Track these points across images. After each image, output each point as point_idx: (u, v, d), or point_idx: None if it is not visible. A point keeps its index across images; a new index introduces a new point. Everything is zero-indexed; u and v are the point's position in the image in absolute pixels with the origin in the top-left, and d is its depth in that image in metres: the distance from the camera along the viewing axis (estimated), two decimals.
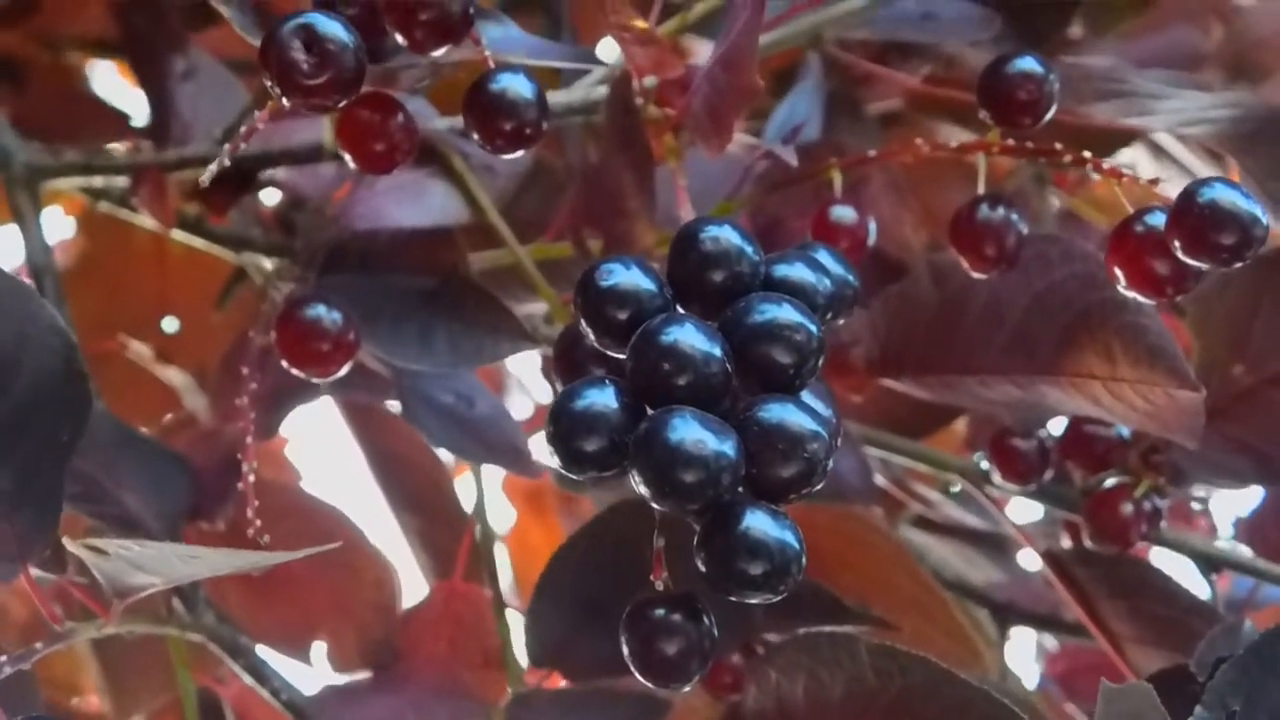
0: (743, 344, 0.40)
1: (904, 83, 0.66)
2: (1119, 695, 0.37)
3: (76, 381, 0.44)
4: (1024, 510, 0.87)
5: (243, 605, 0.63)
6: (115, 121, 0.94)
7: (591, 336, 0.42)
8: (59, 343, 0.44)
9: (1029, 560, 0.93)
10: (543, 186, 0.73)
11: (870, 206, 0.62)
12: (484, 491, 0.69)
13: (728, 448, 0.38)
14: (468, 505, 0.73)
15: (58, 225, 1.10)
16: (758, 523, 0.38)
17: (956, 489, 0.89)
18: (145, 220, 0.74)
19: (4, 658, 0.42)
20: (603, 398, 0.40)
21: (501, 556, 0.79)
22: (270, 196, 0.87)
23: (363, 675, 0.62)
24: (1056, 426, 0.66)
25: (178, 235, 0.72)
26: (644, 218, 0.60)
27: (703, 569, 0.39)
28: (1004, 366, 0.58)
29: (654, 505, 0.39)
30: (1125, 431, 0.64)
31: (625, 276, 0.42)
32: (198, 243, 0.73)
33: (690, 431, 0.38)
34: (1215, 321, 0.63)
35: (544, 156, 0.72)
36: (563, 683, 0.59)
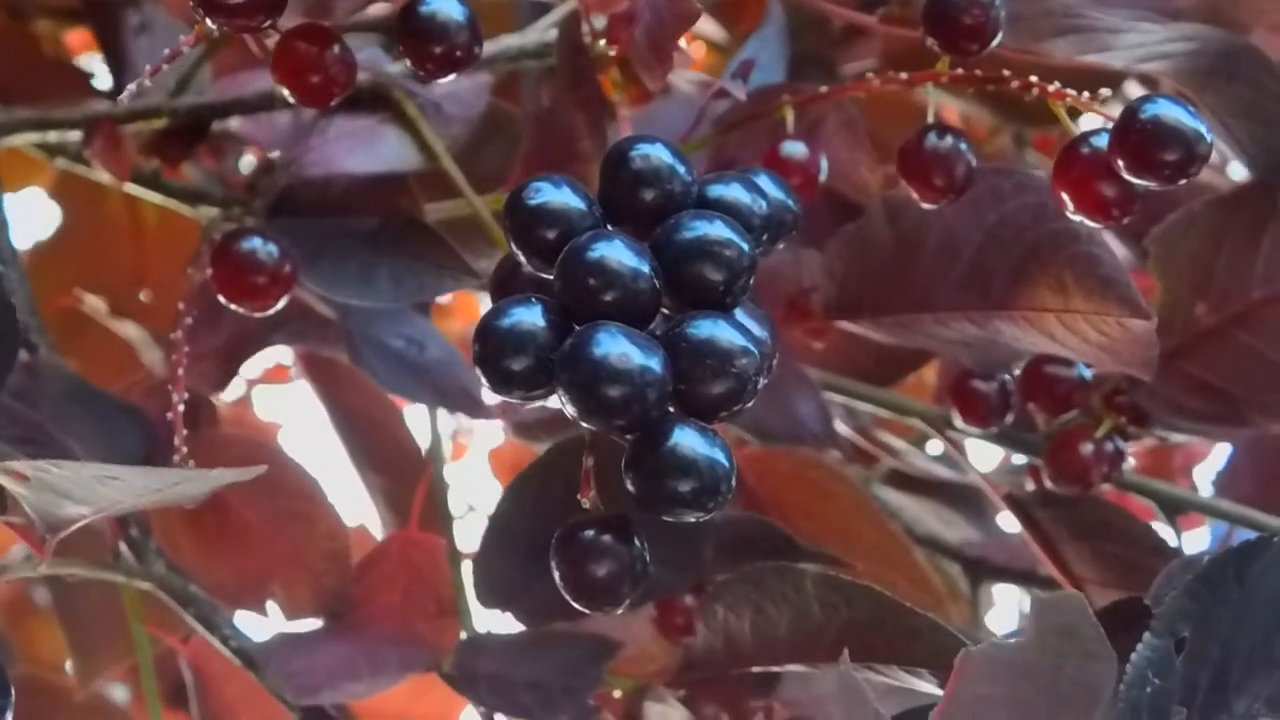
0: (673, 262, 0.40)
1: (860, 21, 0.65)
2: (1050, 607, 0.36)
3: (2, 313, 0.44)
4: (993, 461, 0.87)
5: (195, 557, 0.62)
6: (78, 83, 0.93)
7: (521, 257, 0.42)
8: None
9: (1008, 521, 0.93)
10: (500, 139, 0.72)
11: (825, 146, 0.61)
12: (439, 434, 0.68)
13: (654, 363, 0.37)
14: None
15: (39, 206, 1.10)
16: (686, 440, 0.37)
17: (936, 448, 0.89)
18: (103, 176, 0.73)
19: None
20: (529, 316, 0.39)
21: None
22: (248, 166, 0.86)
23: (315, 624, 0.61)
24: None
25: (133, 189, 0.71)
26: (597, 159, 0.59)
27: (632, 489, 0.38)
28: (960, 303, 0.58)
29: (582, 424, 0.38)
30: (1087, 373, 0.64)
31: (554, 195, 0.41)
32: (154, 197, 0.72)
33: (616, 346, 0.37)
34: (1177, 262, 0.62)
35: (502, 108, 0.72)
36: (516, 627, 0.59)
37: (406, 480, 0.74)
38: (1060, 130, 0.49)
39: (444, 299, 1.04)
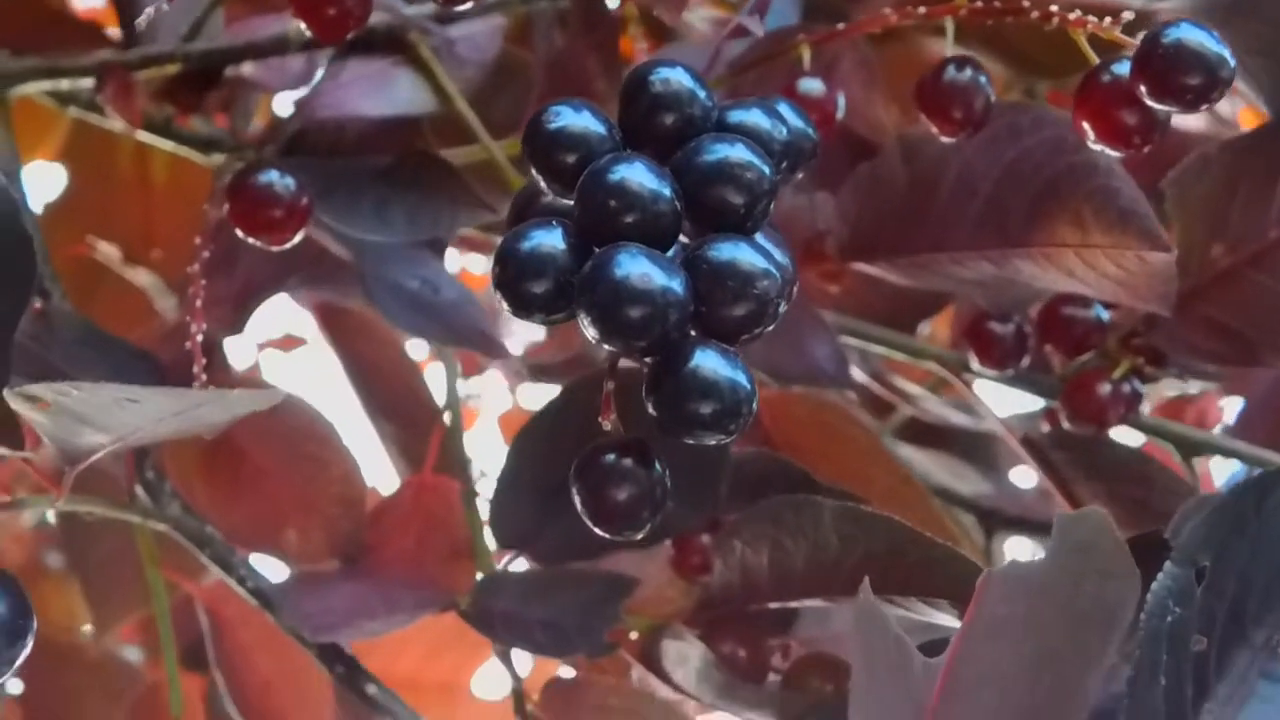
0: (693, 185, 0.39)
1: None
2: (1071, 523, 0.36)
3: (18, 245, 0.43)
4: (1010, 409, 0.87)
5: (210, 502, 0.62)
6: (88, 34, 0.93)
7: (541, 182, 0.41)
8: (3, 205, 0.43)
9: (1022, 476, 0.93)
10: (515, 86, 0.72)
11: (841, 85, 0.61)
12: (455, 388, 0.68)
13: (675, 284, 0.37)
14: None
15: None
16: (708, 362, 0.37)
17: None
18: (115, 124, 0.73)
19: None
20: (549, 238, 0.39)
21: None
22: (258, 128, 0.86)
23: (330, 566, 0.62)
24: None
25: (145, 137, 0.71)
26: (612, 98, 0.59)
27: (653, 412, 0.38)
28: (977, 242, 0.57)
29: (603, 346, 0.38)
30: (1104, 314, 0.63)
31: (574, 119, 0.41)
32: (166, 145, 0.72)
33: (637, 266, 0.37)
34: (1194, 203, 0.62)
35: (515, 54, 0.71)
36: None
37: (421, 430, 0.74)
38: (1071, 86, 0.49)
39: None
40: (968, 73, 0.52)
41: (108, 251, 0.71)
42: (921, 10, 0.53)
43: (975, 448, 0.91)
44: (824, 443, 0.66)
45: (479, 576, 0.60)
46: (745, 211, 0.39)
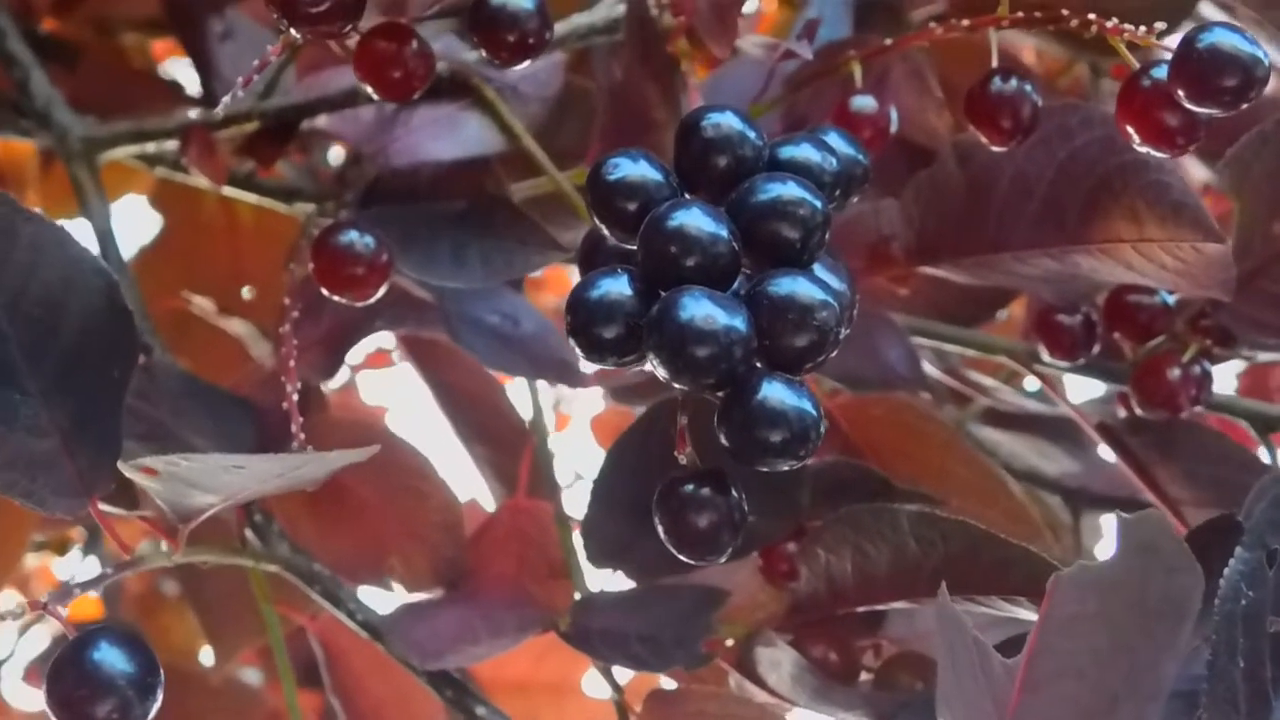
0: (749, 223, 0.41)
1: None
2: (1133, 526, 0.38)
3: (122, 319, 0.46)
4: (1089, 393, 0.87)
5: (316, 537, 0.65)
6: (168, 94, 0.96)
7: (604, 230, 0.44)
8: (102, 283, 0.46)
9: (1109, 451, 0.93)
10: (578, 114, 0.74)
11: (893, 96, 0.62)
12: (540, 405, 0.71)
13: (737, 321, 0.39)
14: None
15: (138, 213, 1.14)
16: (774, 392, 0.39)
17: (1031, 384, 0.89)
18: (201, 181, 0.76)
19: (74, 583, 0.44)
20: (616, 285, 0.41)
21: None
22: (337, 157, 0.89)
23: (435, 594, 0.64)
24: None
25: (230, 191, 0.74)
26: (672, 127, 0.61)
27: (725, 443, 0.40)
28: (1035, 240, 0.59)
29: (674, 385, 0.40)
30: (1169, 298, 0.64)
31: (632, 169, 0.43)
32: (250, 198, 0.75)
33: (700, 308, 0.39)
34: (1253, 181, 0.63)
35: (576, 83, 0.74)
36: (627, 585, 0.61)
37: (511, 451, 0.77)
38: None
39: (535, 274, 1.06)
40: (1013, 83, 0.54)
41: (202, 304, 0.74)
42: (966, 23, 0.55)
43: (1057, 426, 0.92)
44: (903, 441, 0.68)
45: (576, 596, 0.62)
46: (801, 245, 0.41)
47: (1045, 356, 0.66)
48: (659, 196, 0.43)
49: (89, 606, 1.23)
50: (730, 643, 0.59)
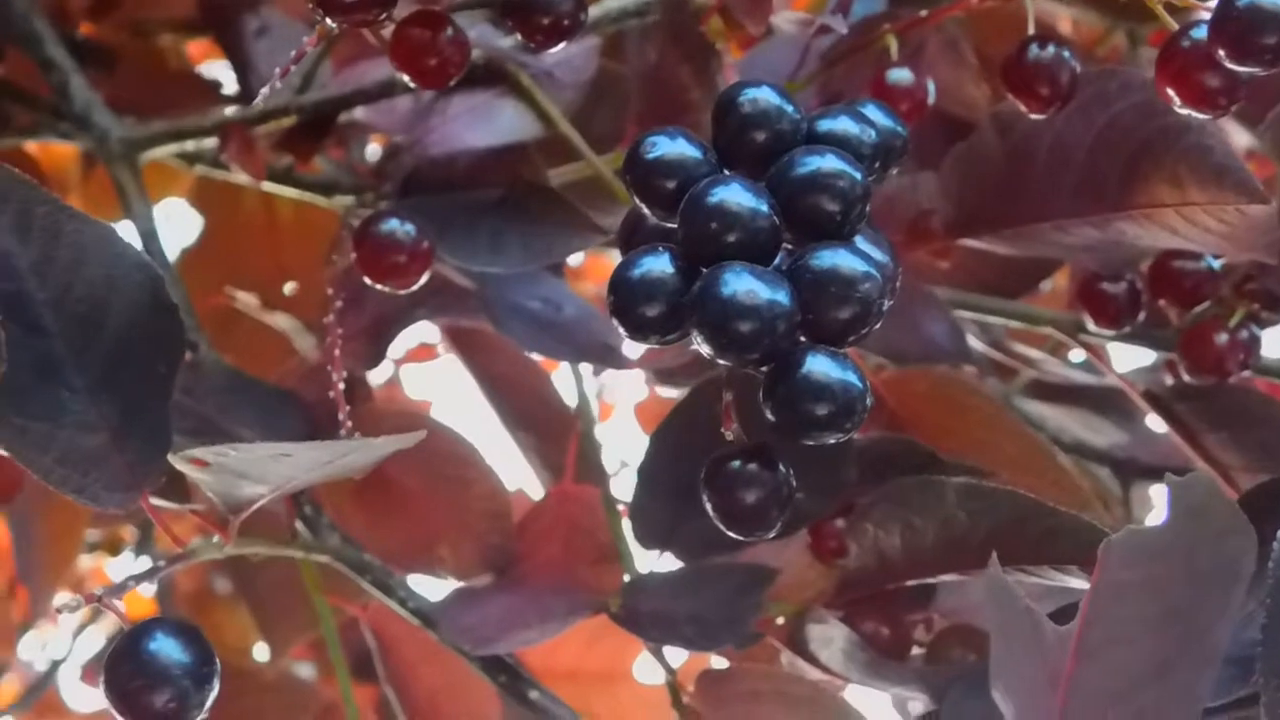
0: (789, 197, 0.41)
1: None
2: (1182, 489, 0.38)
3: (167, 314, 0.47)
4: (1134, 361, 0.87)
5: (365, 528, 0.65)
6: (206, 92, 0.97)
7: (644, 209, 0.44)
8: (146, 278, 0.46)
9: (1157, 422, 0.93)
10: (613, 99, 0.74)
11: (930, 69, 0.62)
12: (585, 393, 0.71)
13: (780, 295, 0.39)
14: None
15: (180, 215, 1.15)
16: (819, 366, 0.39)
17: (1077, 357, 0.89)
18: (241, 177, 0.77)
19: (129, 576, 0.45)
20: (658, 264, 0.41)
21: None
22: (374, 154, 0.90)
23: (483, 580, 0.64)
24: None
25: (269, 187, 0.75)
26: (708, 108, 0.61)
27: (771, 418, 0.40)
28: (1077, 209, 0.58)
29: (718, 361, 0.40)
30: (1215, 263, 0.64)
31: (670, 146, 0.43)
32: (289, 192, 0.76)
33: (742, 284, 0.39)
34: None
35: (610, 68, 0.74)
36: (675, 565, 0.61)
37: (558, 438, 0.77)
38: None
39: (575, 260, 1.07)
40: (1050, 50, 0.54)
41: (246, 300, 0.74)
42: None
43: (1105, 397, 0.92)
44: (948, 416, 0.67)
45: (625, 578, 0.62)
46: (842, 218, 0.41)
47: (1090, 326, 0.66)
48: (698, 173, 0.43)
49: (143, 605, 1.24)
50: (781, 621, 0.59)
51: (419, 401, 1.21)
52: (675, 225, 0.42)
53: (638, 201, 0.43)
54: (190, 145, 0.77)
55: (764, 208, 0.41)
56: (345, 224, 0.60)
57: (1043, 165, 0.59)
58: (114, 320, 0.46)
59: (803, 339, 0.40)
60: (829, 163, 0.41)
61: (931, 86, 0.59)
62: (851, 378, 0.39)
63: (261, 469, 0.43)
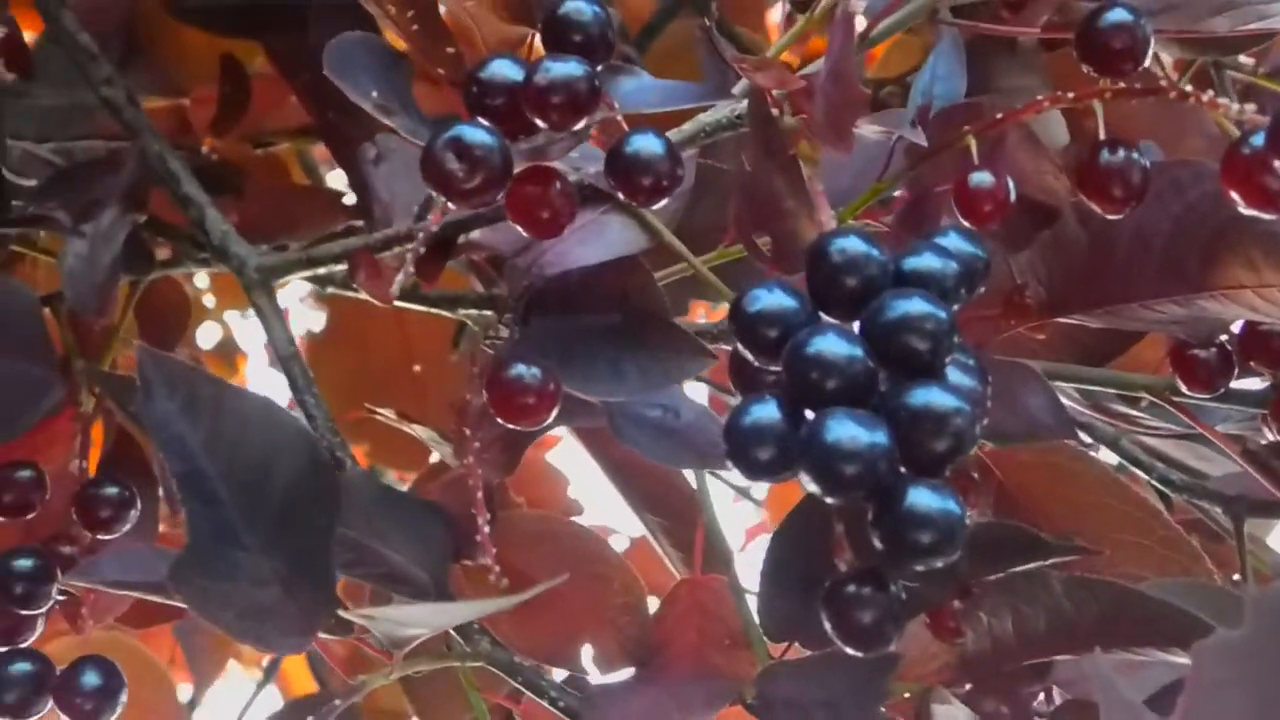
0: (882, 340, 0.45)
1: (1025, 34, 0.69)
2: (1263, 604, 0.41)
3: (324, 474, 0.52)
4: None
5: (512, 629, 0.69)
6: (330, 203, 1.02)
7: (749, 356, 0.48)
8: (303, 443, 0.51)
9: None
10: (713, 195, 0.78)
11: (1010, 162, 0.65)
12: (706, 488, 0.75)
13: (879, 437, 0.43)
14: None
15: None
16: (920, 498, 0.43)
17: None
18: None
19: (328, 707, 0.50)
20: (766, 411, 0.45)
21: None
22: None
23: (625, 673, 0.69)
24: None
25: (399, 305, 0.80)
26: (803, 214, 0.65)
27: (879, 545, 0.44)
28: (1160, 289, 0.62)
29: (826, 500, 0.44)
30: None
31: (769, 299, 0.47)
32: (417, 308, 0.80)
33: (844, 430, 0.43)
34: None
35: (708, 168, 0.78)
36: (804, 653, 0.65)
37: (683, 519, 0.81)
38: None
39: None
40: (1121, 153, 0.57)
41: (386, 415, 0.79)
42: (1070, 95, 0.58)
43: None
44: (1054, 482, 0.70)
45: (758, 667, 0.66)
46: (931, 355, 0.45)
47: (1184, 389, 0.69)
48: (796, 322, 0.47)
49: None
50: (907, 695, 0.62)
51: (556, 476, 1.24)
52: (779, 370, 0.46)
53: (743, 350, 0.48)
54: (322, 270, 0.83)
55: (859, 352, 0.45)
56: (472, 355, 0.64)
57: (1125, 251, 0.62)
58: (277, 482, 0.52)
59: (903, 470, 0.44)
60: (916, 306, 0.45)
61: (1011, 184, 0.62)
62: (951, 505, 0.43)
63: (420, 619, 0.48)
